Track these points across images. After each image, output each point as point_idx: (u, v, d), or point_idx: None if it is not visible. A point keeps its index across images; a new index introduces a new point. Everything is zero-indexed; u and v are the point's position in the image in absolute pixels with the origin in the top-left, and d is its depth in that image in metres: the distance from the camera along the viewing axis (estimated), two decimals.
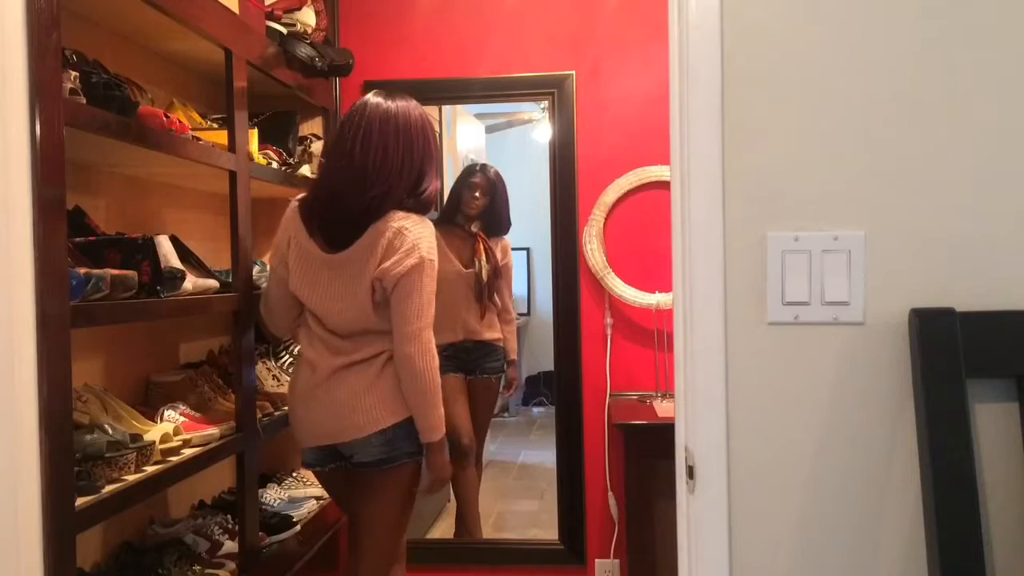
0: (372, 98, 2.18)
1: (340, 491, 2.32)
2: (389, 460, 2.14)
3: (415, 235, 2.10)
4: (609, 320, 3.16)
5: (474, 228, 3.56)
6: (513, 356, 3.71)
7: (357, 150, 2.11)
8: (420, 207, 2.18)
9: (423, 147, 2.18)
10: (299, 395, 2.22)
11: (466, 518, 3.57)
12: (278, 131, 2.76)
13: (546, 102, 3.27)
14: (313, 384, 2.17)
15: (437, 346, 2.15)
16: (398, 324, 2.10)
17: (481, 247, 3.53)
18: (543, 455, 4.54)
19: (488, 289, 3.51)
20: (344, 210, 2.12)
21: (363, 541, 2.22)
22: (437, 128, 4.41)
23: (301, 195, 2.26)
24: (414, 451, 2.17)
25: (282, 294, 2.24)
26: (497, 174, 3.67)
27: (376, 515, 2.20)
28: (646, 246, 3.12)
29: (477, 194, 3.58)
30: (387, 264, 2.08)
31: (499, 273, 3.57)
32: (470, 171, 3.70)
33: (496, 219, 3.62)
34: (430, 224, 2.18)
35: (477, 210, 3.58)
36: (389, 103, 2.16)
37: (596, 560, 3.18)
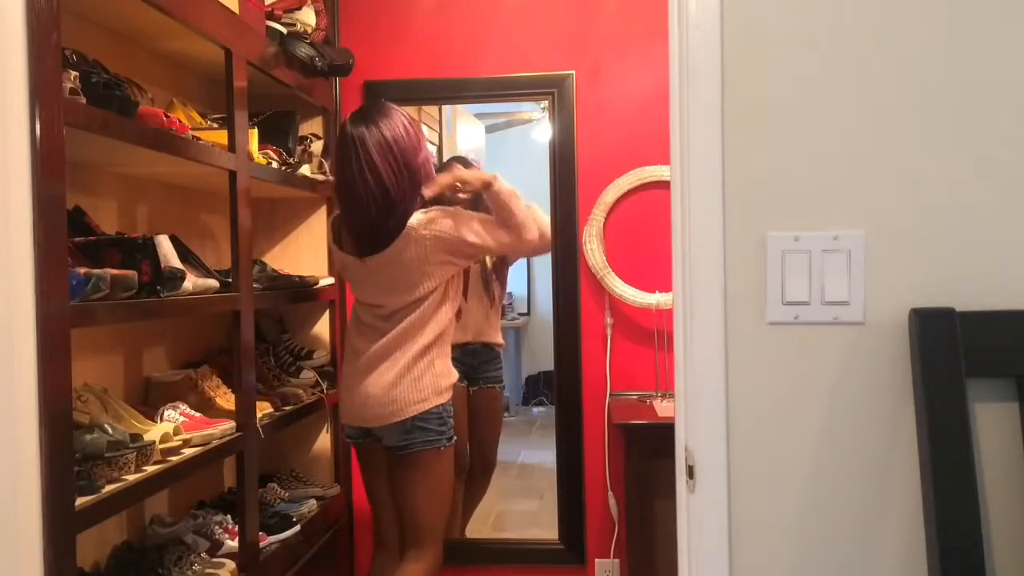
0: (357, 130, 2.40)
1: (370, 464, 2.59)
2: (407, 447, 2.41)
3: (439, 229, 2.39)
4: (609, 320, 3.16)
5: None
6: None
7: (372, 184, 2.36)
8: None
9: (414, 151, 2.43)
10: (344, 379, 2.55)
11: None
12: (278, 131, 2.76)
13: (546, 102, 3.26)
14: (353, 370, 2.47)
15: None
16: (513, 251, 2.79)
17: None
18: (543, 455, 4.54)
19: (496, 275, 3.47)
20: (382, 232, 2.39)
21: (402, 513, 2.50)
22: (437, 128, 4.41)
23: (333, 217, 2.60)
24: (431, 439, 2.41)
25: None
26: (474, 161, 3.61)
27: (402, 492, 2.46)
28: (646, 246, 3.12)
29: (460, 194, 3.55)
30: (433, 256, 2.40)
31: (504, 259, 3.50)
32: (443, 168, 3.65)
33: (484, 205, 3.58)
34: (441, 209, 2.44)
35: (463, 203, 3.54)
36: (376, 132, 2.38)
37: (596, 560, 3.18)
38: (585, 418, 3.18)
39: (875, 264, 1.21)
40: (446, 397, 2.45)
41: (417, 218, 2.38)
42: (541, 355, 5.52)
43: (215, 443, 2.09)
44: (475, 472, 3.55)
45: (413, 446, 2.40)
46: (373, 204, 2.37)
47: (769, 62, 1.22)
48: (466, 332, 3.35)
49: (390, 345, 2.41)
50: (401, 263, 2.39)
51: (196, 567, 2.15)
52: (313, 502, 2.81)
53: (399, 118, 2.43)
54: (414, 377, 2.40)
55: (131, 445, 1.78)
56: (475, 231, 2.44)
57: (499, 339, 3.53)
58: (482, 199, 3.53)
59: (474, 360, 3.43)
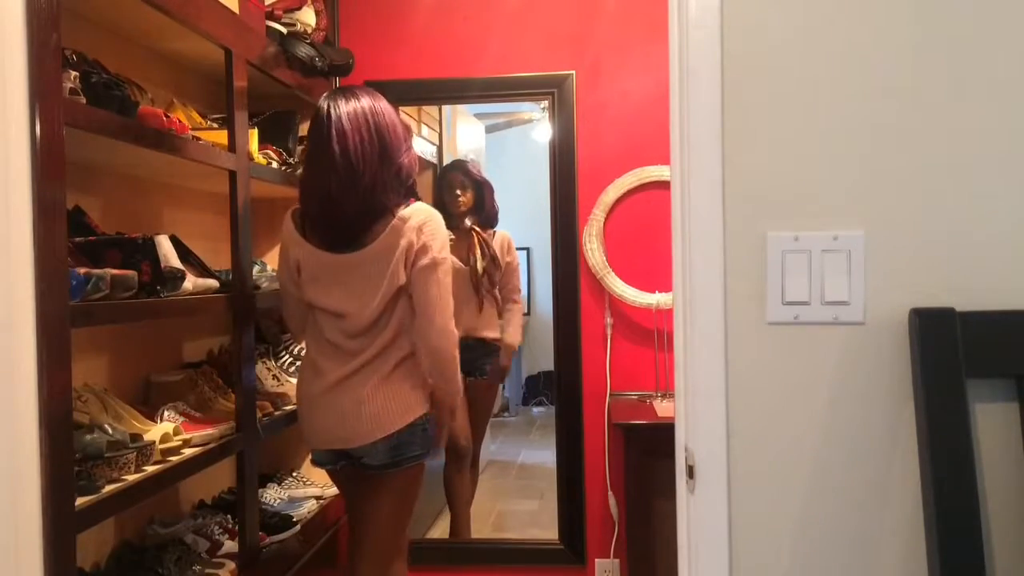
0: (334, 102, 2.19)
1: (349, 487, 2.39)
2: (395, 464, 2.22)
3: (428, 233, 2.19)
4: (609, 320, 3.16)
5: (468, 222, 3.55)
6: (510, 340, 3.57)
7: (337, 153, 2.14)
8: (407, 179, 2.25)
9: (394, 132, 2.22)
10: (306, 400, 2.29)
11: (459, 522, 3.54)
12: (278, 131, 2.76)
13: (546, 102, 3.26)
14: (320, 390, 2.23)
15: None
16: (425, 320, 2.20)
17: (476, 241, 3.52)
18: (543, 455, 4.54)
19: (488, 280, 3.49)
20: (341, 213, 2.17)
21: (366, 537, 2.31)
22: (437, 128, 4.43)
23: (293, 208, 2.30)
24: (419, 453, 2.25)
25: (297, 304, 2.34)
26: (475, 165, 3.64)
27: (381, 512, 2.28)
28: (646, 246, 3.12)
29: (458, 192, 3.58)
30: (409, 259, 2.18)
31: (498, 265, 3.54)
32: (444, 172, 3.70)
33: (485, 211, 3.61)
34: (438, 216, 2.24)
35: (463, 207, 3.57)
36: (353, 102, 2.19)
37: (596, 560, 3.18)
38: (585, 418, 3.18)
39: (875, 264, 1.21)
40: (428, 406, 2.26)
41: (407, 210, 2.17)
42: (541, 355, 5.51)
43: (215, 443, 2.09)
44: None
45: (403, 463, 2.21)
46: (334, 177, 2.12)
47: (769, 62, 1.22)
48: (458, 329, 3.36)
49: (363, 364, 2.18)
50: (383, 258, 2.15)
51: (196, 567, 2.16)
52: (313, 502, 2.81)
53: (383, 100, 2.24)
54: (394, 386, 2.19)
55: (131, 445, 1.78)
56: (439, 280, 2.19)
57: (495, 334, 3.56)
58: (483, 207, 3.58)
59: (470, 354, 3.42)
